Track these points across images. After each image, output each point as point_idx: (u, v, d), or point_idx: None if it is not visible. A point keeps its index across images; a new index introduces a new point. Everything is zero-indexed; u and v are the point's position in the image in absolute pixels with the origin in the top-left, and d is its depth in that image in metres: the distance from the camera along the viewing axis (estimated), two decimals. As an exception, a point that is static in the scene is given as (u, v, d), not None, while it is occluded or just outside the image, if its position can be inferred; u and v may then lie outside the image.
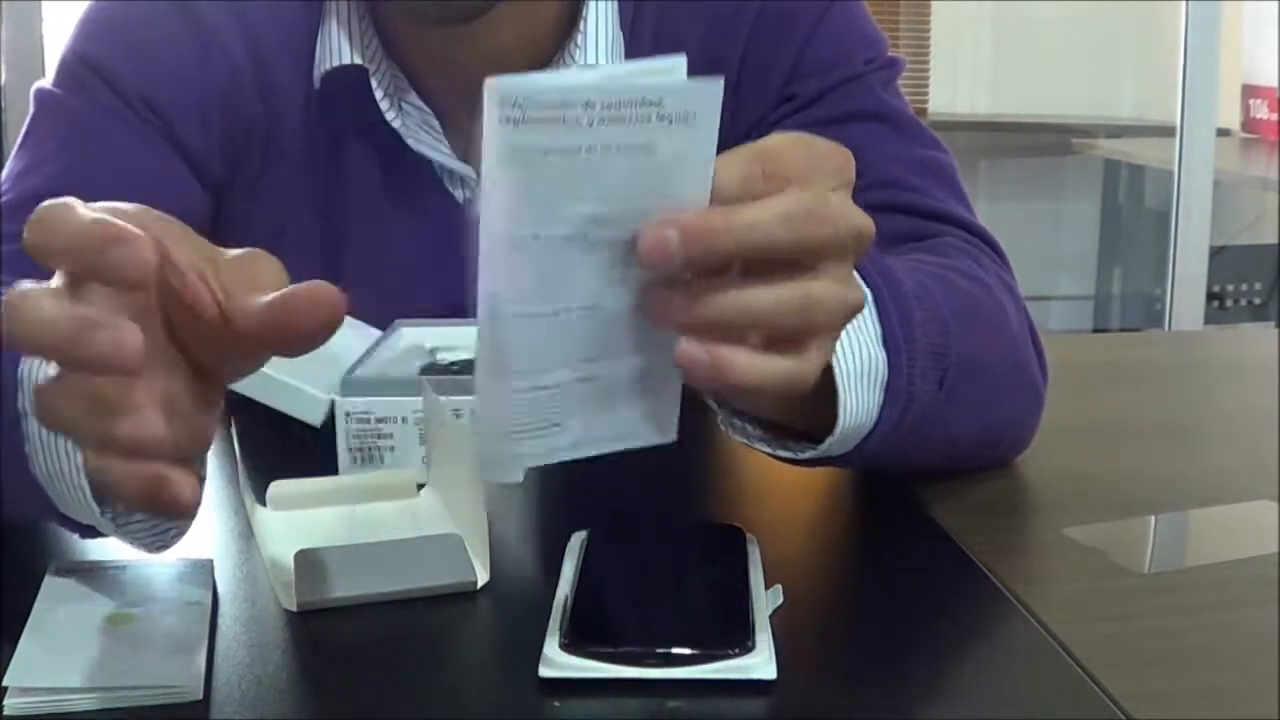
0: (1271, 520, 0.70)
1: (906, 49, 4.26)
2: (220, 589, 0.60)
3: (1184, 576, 0.65)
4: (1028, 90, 4.25)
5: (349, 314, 0.86)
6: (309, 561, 0.60)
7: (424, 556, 0.61)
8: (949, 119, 4.18)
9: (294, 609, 0.58)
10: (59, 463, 0.52)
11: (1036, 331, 0.77)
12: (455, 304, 0.77)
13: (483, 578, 0.60)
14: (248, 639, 0.56)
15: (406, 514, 0.68)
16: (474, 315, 0.47)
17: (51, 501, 0.54)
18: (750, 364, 0.48)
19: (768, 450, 0.62)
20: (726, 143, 0.87)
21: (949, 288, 0.68)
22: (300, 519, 0.67)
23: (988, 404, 0.71)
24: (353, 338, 0.83)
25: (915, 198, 0.82)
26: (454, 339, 0.81)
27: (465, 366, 0.76)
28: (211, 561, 0.62)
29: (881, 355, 0.60)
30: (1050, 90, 4.22)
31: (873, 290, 0.61)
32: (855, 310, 0.51)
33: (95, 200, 0.74)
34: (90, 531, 0.57)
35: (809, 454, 0.61)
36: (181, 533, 0.56)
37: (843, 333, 0.56)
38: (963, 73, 4.30)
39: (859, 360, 0.59)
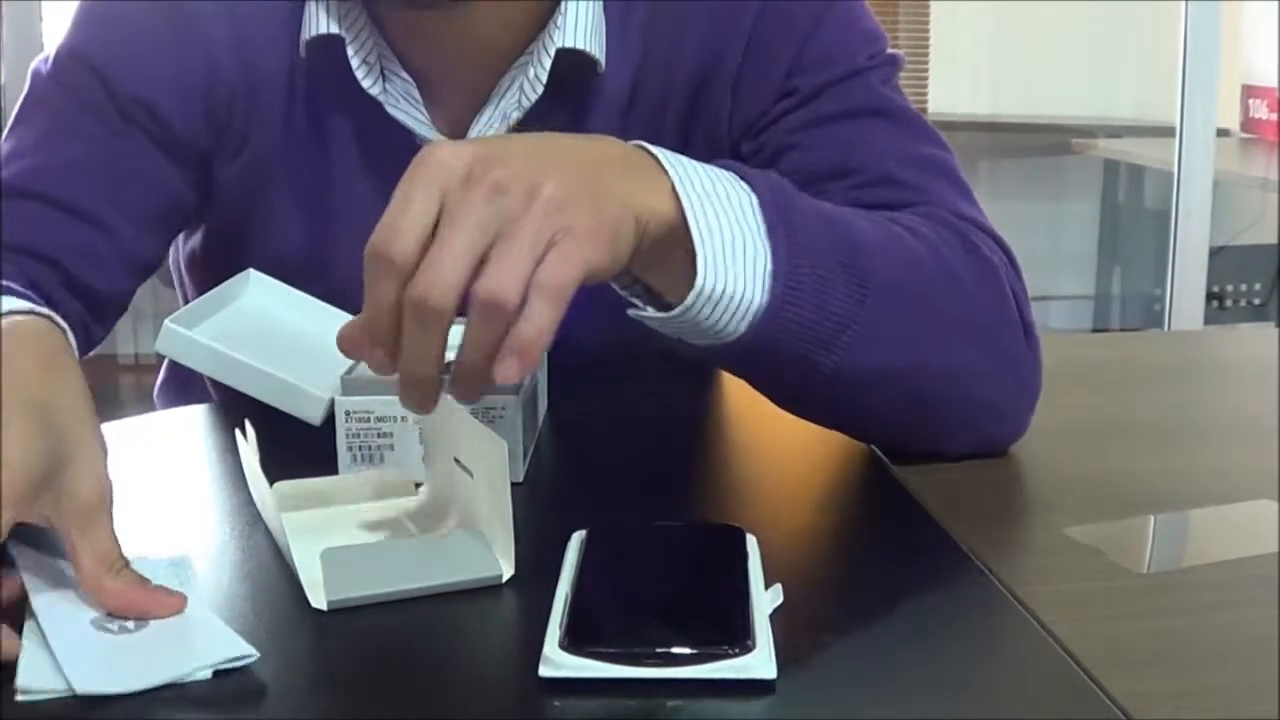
0: (1271, 520, 0.70)
1: (906, 49, 4.25)
2: (223, 588, 0.60)
3: (1184, 576, 0.65)
4: (1028, 90, 4.25)
5: (339, 283, 0.89)
6: (336, 560, 0.60)
7: (449, 553, 0.61)
8: (949, 119, 4.18)
9: (324, 608, 0.58)
10: None
11: (1029, 317, 0.78)
12: None
13: (507, 572, 0.60)
14: (249, 640, 0.55)
15: (415, 512, 0.68)
16: None
17: None
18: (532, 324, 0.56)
19: (653, 314, 0.66)
20: (724, 136, 0.89)
21: (878, 226, 0.72)
22: (316, 518, 0.67)
23: (929, 346, 0.72)
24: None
25: (922, 196, 0.82)
26: (454, 338, 0.81)
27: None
28: (188, 556, 0.62)
29: (765, 245, 0.65)
30: (1050, 90, 4.22)
31: (759, 197, 0.66)
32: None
33: (69, 190, 0.84)
34: None
35: (676, 312, 0.64)
36: None
37: (713, 212, 0.63)
38: (963, 73, 4.30)
39: (726, 238, 0.64)
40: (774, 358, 0.68)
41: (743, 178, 0.67)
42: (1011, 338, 0.77)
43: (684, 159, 0.65)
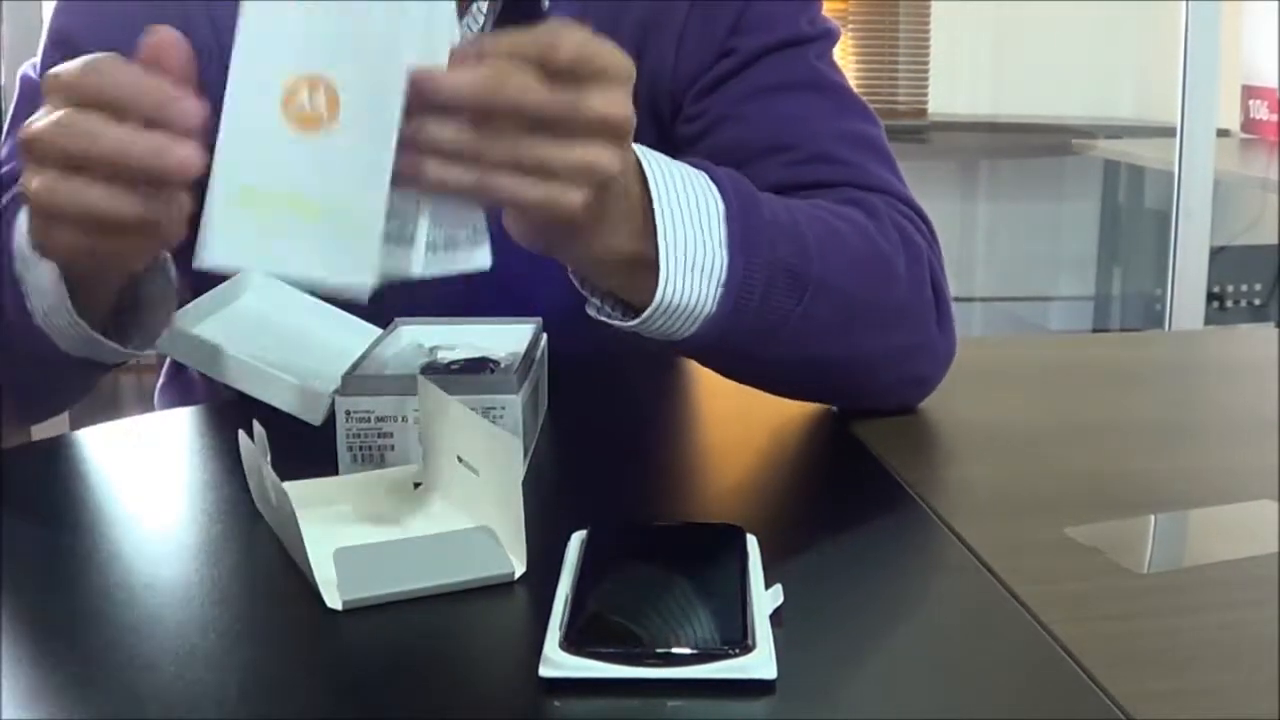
0: (1271, 520, 0.70)
1: (906, 49, 4.26)
2: (222, 588, 0.60)
3: (1184, 576, 0.65)
4: (1028, 90, 4.25)
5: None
6: (349, 560, 0.60)
7: (460, 551, 0.61)
8: (949, 119, 4.18)
9: (339, 608, 0.58)
10: (52, 303, 0.69)
11: (944, 291, 0.85)
12: None
13: (519, 569, 0.60)
14: (250, 639, 0.56)
15: (419, 512, 0.68)
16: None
17: (52, 342, 0.71)
18: (512, 184, 0.59)
19: (618, 321, 0.72)
20: (667, 86, 0.95)
21: (823, 224, 0.78)
22: (320, 518, 0.67)
23: (856, 332, 0.79)
24: (352, 336, 0.83)
25: (853, 172, 0.87)
26: (454, 338, 0.81)
27: (466, 366, 0.76)
28: None
29: (723, 256, 0.70)
30: (1050, 90, 4.22)
31: (727, 207, 0.71)
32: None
33: None
34: (86, 367, 0.75)
35: (634, 324, 0.71)
36: (164, 324, 0.74)
37: (687, 229, 0.69)
38: (963, 73, 4.30)
39: (690, 252, 0.69)
40: (717, 350, 0.76)
41: (714, 181, 0.72)
42: (926, 314, 0.83)
43: (667, 167, 0.70)
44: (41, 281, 0.69)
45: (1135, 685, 0.52)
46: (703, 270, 0.70)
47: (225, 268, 0.56)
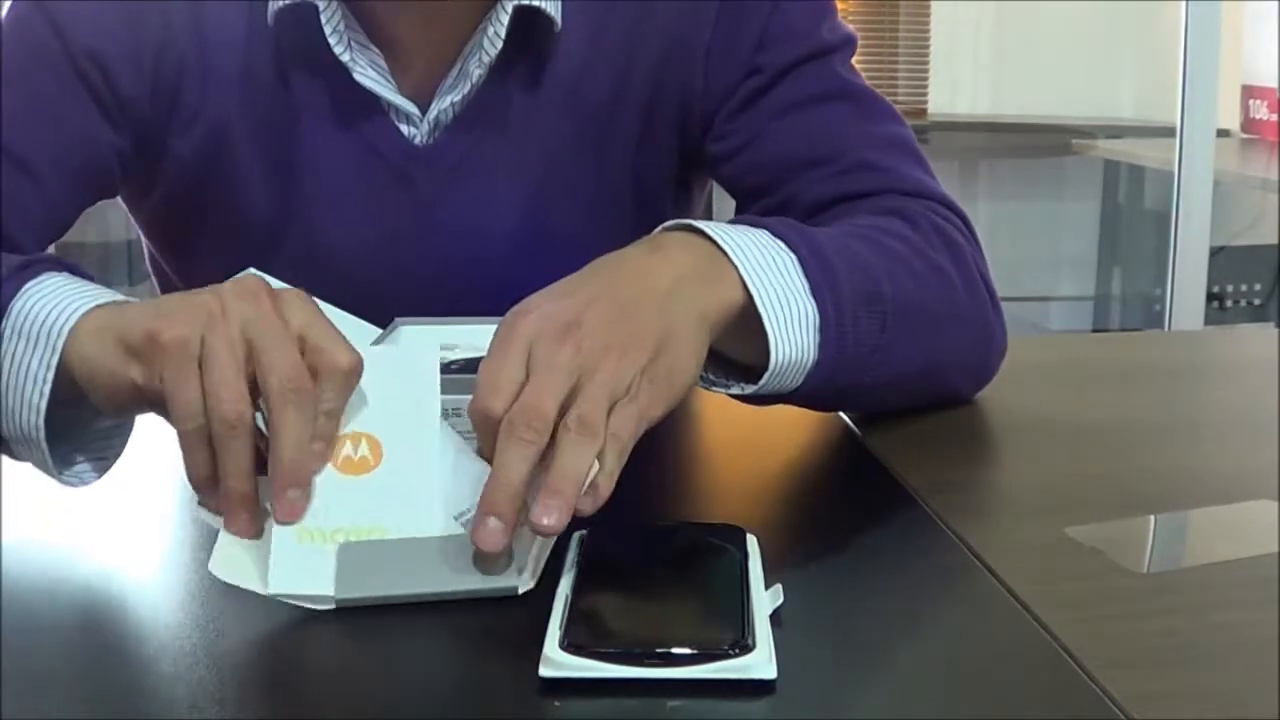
0: (1271, 520, 0.69)
1: (906, 49, 4.26)
2: (222, 586, 0.60)
3: (1184, 576, 0.65)
4: (1028, 90, 4.26)
5: (320, 241, 0.90)
6: (351, 556, 0.59)
7: (468, 558, 0.60)
8: (949, 119, 4.19)
9: (332, 605, 0.57)
10: (20, 423, 0.66)
11: (991, 285, 0.87)
12: (397, 230, 0.92)
13: (524, 585, 0.59)
14: (251, 638, 0.56)
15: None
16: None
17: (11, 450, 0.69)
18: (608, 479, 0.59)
19: (737, 395, 0.74)
20: (698, 103, 0.96)
21: (877, 245, 0.79)
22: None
23: (931, 342, 0.80)
24: (352, 335, 0.83)
25: (891, 178, 0.89)
26: (454, 338, 0.81)
27: (465, 365, 0.76)
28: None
29: (811, 304, 0.72)
30: (1050, 90, 4.22)
31: (797, 255, 0.73)
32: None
33: (10, 136, 0.85)
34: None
35: (751, 390, 0.72)
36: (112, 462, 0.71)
37: (773, 289, 0.70)
38: (963, 73, 4.30)
39: (788, 310, 0.71)
40: (820, 395, 0.76)
41: (777, 235, 0.73)
42: (984, 309, 0.85)
43: (731, 233, 0.71)
44: (31, 365, 0.66)
45: (1135, 685, 0.52)
46: (799, 322, 0.71)
47: (290, 596, 0.58)
